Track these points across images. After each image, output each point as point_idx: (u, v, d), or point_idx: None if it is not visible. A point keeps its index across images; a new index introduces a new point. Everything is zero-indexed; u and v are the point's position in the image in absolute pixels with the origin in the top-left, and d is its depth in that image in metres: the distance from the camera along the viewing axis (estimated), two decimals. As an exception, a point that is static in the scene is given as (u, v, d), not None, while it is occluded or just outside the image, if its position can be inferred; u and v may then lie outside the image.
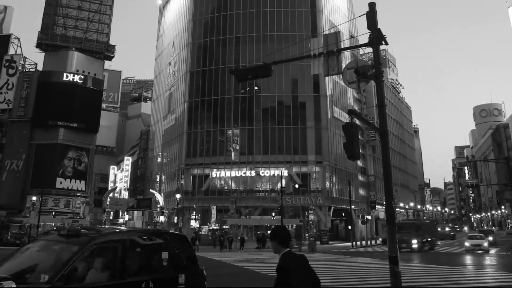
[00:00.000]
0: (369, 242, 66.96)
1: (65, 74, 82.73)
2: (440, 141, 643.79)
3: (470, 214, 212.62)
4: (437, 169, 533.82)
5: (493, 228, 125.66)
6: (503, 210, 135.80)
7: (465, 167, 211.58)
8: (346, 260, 35.19)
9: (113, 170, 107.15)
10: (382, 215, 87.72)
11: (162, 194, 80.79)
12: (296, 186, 70.03)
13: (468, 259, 34.87)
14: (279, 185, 65.57)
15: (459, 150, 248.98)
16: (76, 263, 7.66)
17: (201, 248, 52.77)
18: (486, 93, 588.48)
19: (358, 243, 65.21)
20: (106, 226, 59.49)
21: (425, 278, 22.19)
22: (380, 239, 70.40)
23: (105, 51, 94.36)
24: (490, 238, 50.81)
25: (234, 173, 72.78)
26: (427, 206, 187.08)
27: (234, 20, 79.66)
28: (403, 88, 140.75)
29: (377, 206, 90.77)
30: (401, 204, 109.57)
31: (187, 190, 75.18)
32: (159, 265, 9.04)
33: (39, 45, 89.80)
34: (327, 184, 72.73)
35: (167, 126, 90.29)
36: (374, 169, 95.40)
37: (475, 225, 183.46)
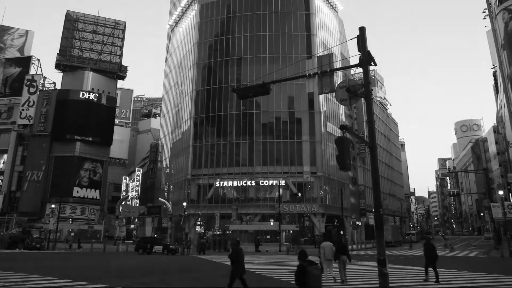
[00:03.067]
0: (359, 246, 66.80)
1: (81, 92, 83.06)
2: (425, 154, 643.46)
3: (452, 221, 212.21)
4: (422, 179, 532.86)
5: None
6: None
7: (447, 178, 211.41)
8: (337, 262, 35.01)
9: (125, 180, 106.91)
10: (371, 221, 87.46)
11: (170, 202, 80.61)
12: (294, 194, 70.29)
13: (450, 262, 34.75)
14: (277, 193, 65.95)
15: (442, 162, 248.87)
16: None
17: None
18: (467, 109, 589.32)
19: (349, 247, 64.95)
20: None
21: (410, 279, 22.13)
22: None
23: (118, 71, 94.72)
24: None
25: (236, 183, 72.70)
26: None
27: (236, 43, 79.96)
28: (390, 105, 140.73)
29: (366, 213, 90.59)
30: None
31: (193, 199, 75.15)
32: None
33: (57, 66, 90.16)
34: (321, 193, 72.66)
35: (174, 140, 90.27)
36: (364, 179, 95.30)
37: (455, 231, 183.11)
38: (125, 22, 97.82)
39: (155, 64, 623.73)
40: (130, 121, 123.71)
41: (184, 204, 68.41)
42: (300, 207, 69.87)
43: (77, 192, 77.82)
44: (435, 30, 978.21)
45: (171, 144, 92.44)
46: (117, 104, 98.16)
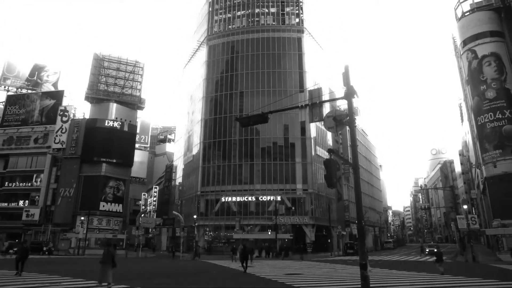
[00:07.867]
0: (344, 252, 66.53)
1: (106, 121, 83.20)
2: (400, 173, 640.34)
3: (426, 231, 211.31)
4: (398, 195, 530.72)
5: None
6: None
7: (420, 194, 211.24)
8: (326, 266, 34.91)
9: (144, 196, 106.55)
10: (355, 231, 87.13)
11: (183, 214, 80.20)
12: (288, 208, 70.17)
13: (424, 266, 34.64)
14: (274, 207, 66.01)
15: (415, 180, 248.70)
16: None
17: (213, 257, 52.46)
18: (437, 135, 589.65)
19: (336, 253, 64.78)
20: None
21: (388, 281, 22.06)
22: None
23: (138, 103, 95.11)
24: None
25: (239, 198, 72.50)
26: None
27: (239, 78, 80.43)
28: (370, 132, 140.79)
29: (350, 224, 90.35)
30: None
31: (202, 212, 74.91)
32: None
33: (86, 98, 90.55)
34: (312, 207, 72.45)
35: (186, 162, 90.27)
36: (348, 195, 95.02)
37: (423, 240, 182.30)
38: (144, 63, 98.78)
39: (170, 97, 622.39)
40: (148, 145, 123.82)
41: (195, 216, 68.30)
42: (294, 219, 69.67)
43: (103, 206, 77.56)
44: (408, 64, 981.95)
45: (183, 165, 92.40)
46: (137, 131, 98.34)
